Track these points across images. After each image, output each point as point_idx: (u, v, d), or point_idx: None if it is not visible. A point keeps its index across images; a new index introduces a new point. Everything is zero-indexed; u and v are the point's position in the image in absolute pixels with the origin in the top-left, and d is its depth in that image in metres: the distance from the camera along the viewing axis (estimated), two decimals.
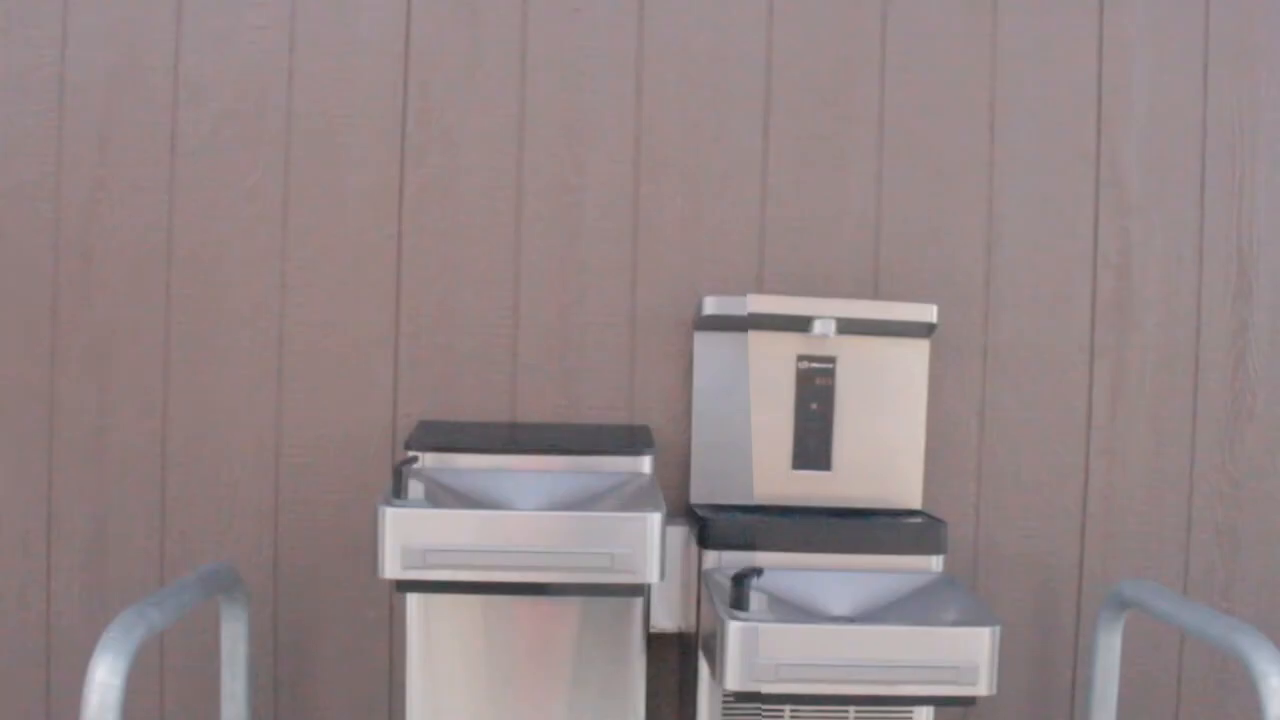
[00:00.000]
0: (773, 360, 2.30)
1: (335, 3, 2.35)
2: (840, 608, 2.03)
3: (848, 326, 2.26)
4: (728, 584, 1.89)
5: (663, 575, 1.83)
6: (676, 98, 2.39)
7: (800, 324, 2.25)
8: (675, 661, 2.36)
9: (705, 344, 2.32)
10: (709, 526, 2.12)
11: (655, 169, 2.39)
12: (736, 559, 2.07)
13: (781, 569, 2.04)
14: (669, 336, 2.38)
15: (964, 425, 2.43)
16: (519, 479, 2.02)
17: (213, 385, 2.35)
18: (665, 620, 2.21)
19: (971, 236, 2.43)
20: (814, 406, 2.31)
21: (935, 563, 2.12)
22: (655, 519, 1.79)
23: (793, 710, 2.07)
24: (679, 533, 2.21)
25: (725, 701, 2.06)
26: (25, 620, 2.34)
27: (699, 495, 2.31)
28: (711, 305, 2.24)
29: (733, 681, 1.78)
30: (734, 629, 1.77)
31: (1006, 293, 2.43)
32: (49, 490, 2.34)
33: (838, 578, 2.07)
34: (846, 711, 2.06)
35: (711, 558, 2.10)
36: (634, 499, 1.92)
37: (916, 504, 2.33)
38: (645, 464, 2.05)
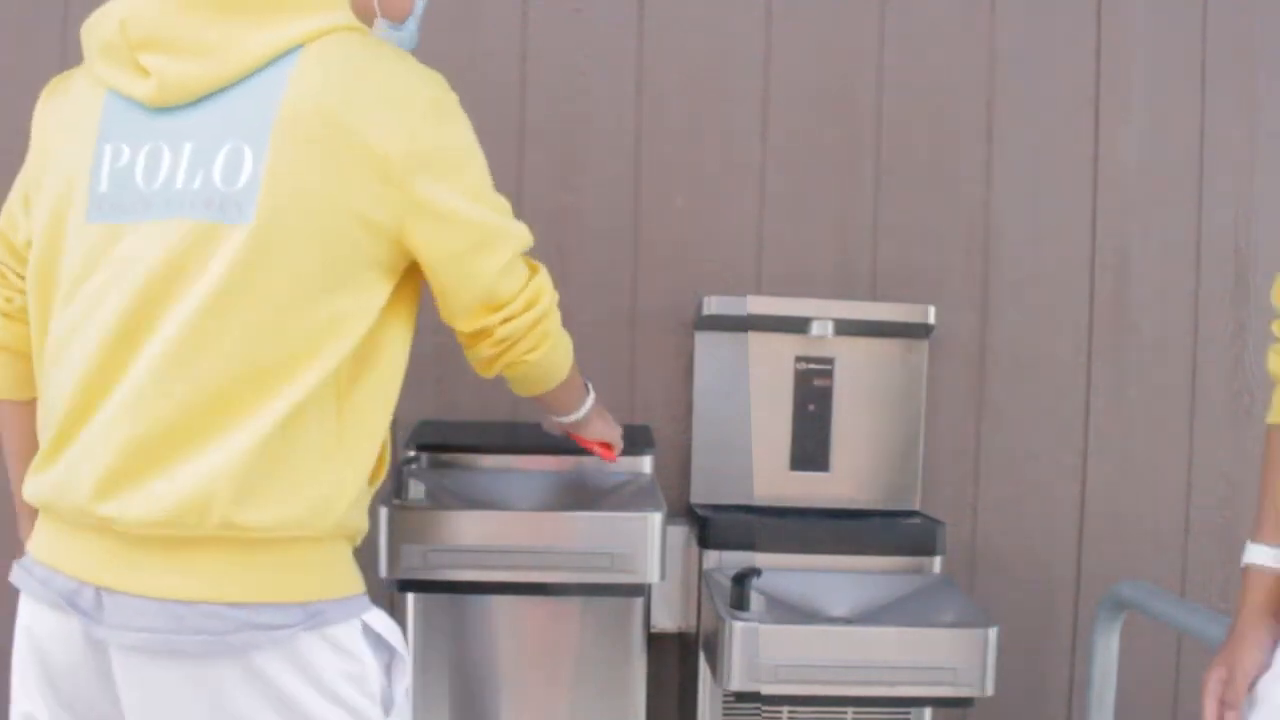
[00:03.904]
0: (772, 361, 2.31)
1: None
2: (839, 608, 2.04)
3: (846, 328, 2.26)
4: (728, 584, 1.89)
5: (663, 575, 1.83)
6: (676, 98, 2.39)
7: (799, 325, 2.25)
8: (675, 661, 2.36)
9: (705, 344, 2.32)
10: (709, 526, 2.13)
11: (655, 169, 2.39)
12: (736, 559, 2.07)
13: (780, 569, 2.05)
14: (669, 336, 2.38)
15: (962, 426, 2.44)
16: (519, 479, 2.02)
17: None
18: (665, 620, 2.21)
19: (970, 238, 2.43)
20: (811, 408, 2.31)
21: (933, 564, 2.13)
22: (655, 519, 1.80)
23: (790, 710, 2.07)
24: (679, 533, 2.21)
25: (725, 701, 2.06)
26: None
27: (699, 495, 2.31)
28: (711, 305, 2.25)
29: (734, 682, 1.78)
30: (736, 629, 1.77)
31: (1004, 294, 2.44)
32: None
33: (837, 578, 2.07)
34: (845, 712, 2.07)
35: (712, 558, 2.10)
36: (634, 499, 1.92)
37: (914, 505, 2.34)
38: (645, 464, 2.05)
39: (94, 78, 1.30)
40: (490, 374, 1.44)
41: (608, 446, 1.83)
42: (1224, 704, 1.37)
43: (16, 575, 1.31)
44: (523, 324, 1.38)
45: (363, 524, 1.36)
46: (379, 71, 1.27)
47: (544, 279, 1.41)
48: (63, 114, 1.32)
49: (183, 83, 1.24)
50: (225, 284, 1.20)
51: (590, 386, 1.70)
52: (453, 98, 1.33)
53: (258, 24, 1.24)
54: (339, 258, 1.24)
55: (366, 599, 1.34)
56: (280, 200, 1.21)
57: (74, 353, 1.24)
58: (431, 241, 1.30)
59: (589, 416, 1.72)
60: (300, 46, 1.25)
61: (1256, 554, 1.38)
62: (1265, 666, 1.35)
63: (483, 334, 1.38)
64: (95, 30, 1.30)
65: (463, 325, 1.38)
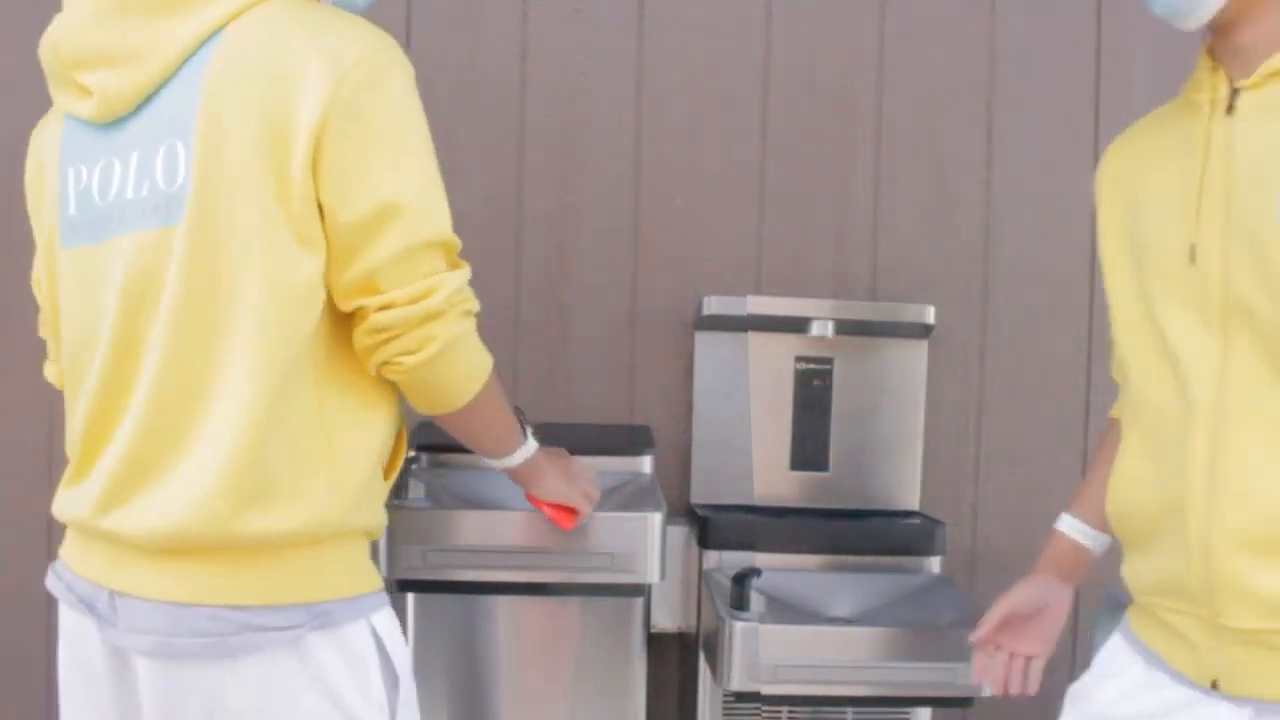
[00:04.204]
0: (772, 361, 2.31)
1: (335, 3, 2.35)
2: (839, 608, 2.04)
3: (846, 328, 2.26)
4: (728, 584, 1.89)
5: (663, 575, 1.83)
6: (676, 98, 2.39)
7: (799, 325, 2.25)
8: (675, 661, 2.36)
9: (705, 344, 2.32)
10: (709, 526, 2.13)
11: (655, 169, 2.39)
12: (736, 559, 2.07)
13: (780, 569, 2.05)
14: (669, 336, 2.38)
15: (962, 426, 2.44)
16: None
17: None
18: (665, 620, 2.21)
19: (969, 237, 2.43)
20: (811, 408, 2.31)
21: (933, 564, 2.13)
22: (655, 519, 1.79)
23: (790, 710, 2.07)
24: (679, 533, 2.21)
25: (725, 701, 2.06)
26: (27, 617, 2.34)
27: (699, 495, 2.31)
28: (711, 305, 2.25)
29: (734, 682, 1.78)
30: (736, 629, 1.77)
31: (1004, 294, 2.44)
32: (49, 488, 2.33)
33: (837, 578, 2.07)
34: (845, 712, 2.07)
35: (712, 558, 2.10)
36: (634, 499, 1.92)
37: (914, 505, 2.34)
38: (645, 464, 2.05)
39: (57, 105, 1.30)
40: (369, 369, 1.28)
41: (566, 511, 1.62)
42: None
43: (50, 580, 1.34)
44: (403, 317, 1.22)
45: (375, 519, 1.32)
46: (306, 28, 1.21)
47: (452, 279, 1.26)
48: (43, 150, 1.33)
49: (119, 93, 1.22)
50: (180, 288, 1.18)
51: (531, 433, 1.51)
52: (394, 57, 1.23)
53: (179, 16, 1.21)
54: (271, 233, 1.18)
55: (380, 597, 1.31)
56: (208, 189, 1.17)
57: (84, 384, 1.26)
58: (330, 203, 1.19)
59: (534, 469, 1.53)
60: (225, 26, 1.21)
61: (1061, 521, 1.54)
62: (1021, 602, 1.53)
63: (359, 316, 1.24)
64: (41, 58, 1.30)
65: (339, 303, 1.24)
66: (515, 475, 1.53)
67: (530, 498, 1.60)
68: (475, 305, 1.31)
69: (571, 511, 1.62)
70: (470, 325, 1.30)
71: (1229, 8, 1.27)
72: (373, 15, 2.32)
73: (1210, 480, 1.20)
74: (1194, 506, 1.21)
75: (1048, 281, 2.44)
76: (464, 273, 1.29)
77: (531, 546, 1.78)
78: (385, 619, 1.30)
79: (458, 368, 1.30)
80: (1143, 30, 2.43)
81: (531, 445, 1.50)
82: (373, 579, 1.31)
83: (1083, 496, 1.54)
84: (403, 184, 1.21)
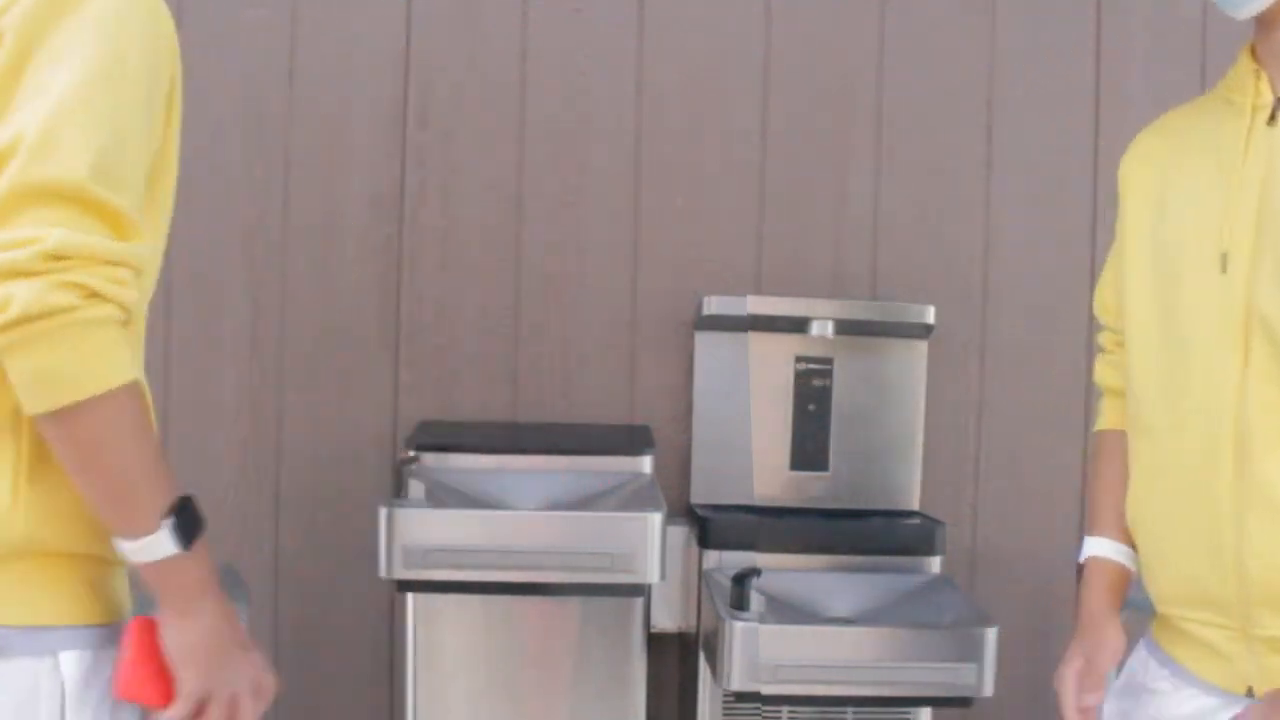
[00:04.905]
0: (772, 361, 2.31)
1: (336, 2, 2.35)
2: (839, 609, 2.04)
3: (846, 328, 2.26)
4: (728, 584, 1.89)
5: (663, 575, 1.83)
6: (676, 98, 2.39)
7: (799, 325, 2.25)
8: (675, 661, 2.36)
9: (705, 344, 2.32)
10: (709, 526, 2.13)
11: (655, 169, 2.39)
12: (736, 559, 2.07)
13: (780, 569, 2.05)
14: (669, 336, 2.38)
15: (961, 426, 2.43)
16: (519, 479, 2.02)
17: (213, 385, 2.35)
18: (665, 620, 2.21)
19: (969, 237, 2.43)
20: (811, 408, 2.31)
21: (933, 564, 2.13)
22: (655, 519, 1.79)
23: (790, 710, 2.07)
24: (679, 533, 2.21)
25: (725, 701, 2.06)
26: None
27: (699, 495, 2.31)
28: (712, 305, 2.25)
29: (734, 682, 1.78)
30: (736, 629, 1.77)
31: (1004, 294, 2.44)
32: None
33: (837, 578, 2.07)
34: (845, 712, 2.07)
35: (712, 558, 2.10)
36: (634, 499, 1.92)
37: (914, 505, 2.34)
38: (645, 464, 2.05)
39: None
40: None
41: (161, 682, 1.07)
42: (1083, 691, 1.37)
43: None
44: None
45: (87, 541, 1.07)
46: None
47: (76, 241, 0.94)
48: None
49: None
50: None
51: (176, 535, 1.03)
52: None
53: None
54: None
55: (86, 634, 1.07)
56: None
57: None
58: None
59: (166, 590, 1.06)
60: None
61: (1097, 546, 1.40)
62: (1120, 652, 1.37)
63: None
64: None
65: None
66: (151, 585, 1.08)
67: (133, 631, 1.07)
68: (117, 295, 0.97)
69: (165, 689, 1.07)
70: (89, 314, 0.95)
71: None
72: (372, 12, 2.34)
73: (1239, 495, 1.17)
74: (1223, 519, 1.18)
75: (1048, 281, 2.44)
76: (116, 245, 0.97)
77: (531, 546, 1.78)
78: (82, 662, 1.06)
79: (40, 355, 0.95)
80: (1143, 30, 2.43)
81: (165, 543, 1.03)
82: (77, 611, 1.07)
83: (1104, 518, 1.41)
84: (35, 115, 0.96)
